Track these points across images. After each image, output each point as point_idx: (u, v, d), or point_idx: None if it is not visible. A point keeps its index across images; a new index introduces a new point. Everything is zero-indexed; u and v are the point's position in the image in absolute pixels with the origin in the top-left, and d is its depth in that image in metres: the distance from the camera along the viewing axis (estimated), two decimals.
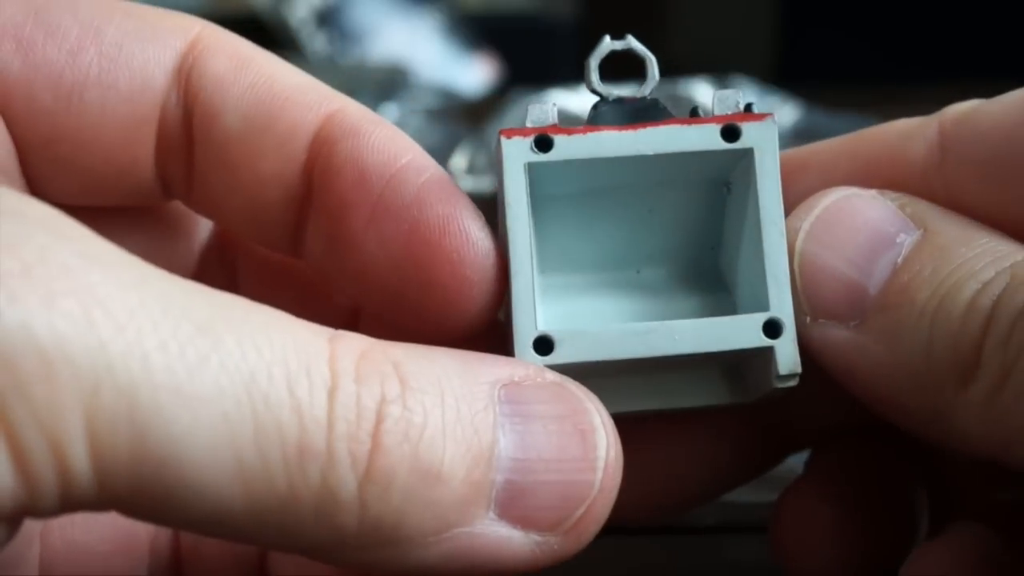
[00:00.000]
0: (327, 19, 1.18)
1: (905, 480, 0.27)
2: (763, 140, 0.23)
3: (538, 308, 0.22)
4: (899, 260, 0.22)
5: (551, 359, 0.22)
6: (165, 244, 0.25)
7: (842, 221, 0.22)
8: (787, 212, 0.23)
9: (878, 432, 0.26)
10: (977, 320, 0.20)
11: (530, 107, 0.23)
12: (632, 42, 0.23)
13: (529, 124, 0.23)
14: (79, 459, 0.16)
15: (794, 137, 0.56)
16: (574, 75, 0.68)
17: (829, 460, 0.27)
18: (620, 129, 0.23)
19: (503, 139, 0.22)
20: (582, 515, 0.20)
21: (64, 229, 0.17)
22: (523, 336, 0.22)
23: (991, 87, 0.28)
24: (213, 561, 0.24)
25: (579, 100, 0.57)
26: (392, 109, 0.65)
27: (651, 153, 0.23)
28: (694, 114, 0.23)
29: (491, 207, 0.23)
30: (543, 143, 0.22)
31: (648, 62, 0.23)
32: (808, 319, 0.22)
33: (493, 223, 0.23)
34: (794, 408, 0.26)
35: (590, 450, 0.20)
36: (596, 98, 0.23)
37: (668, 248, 0.24)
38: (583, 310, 0.24)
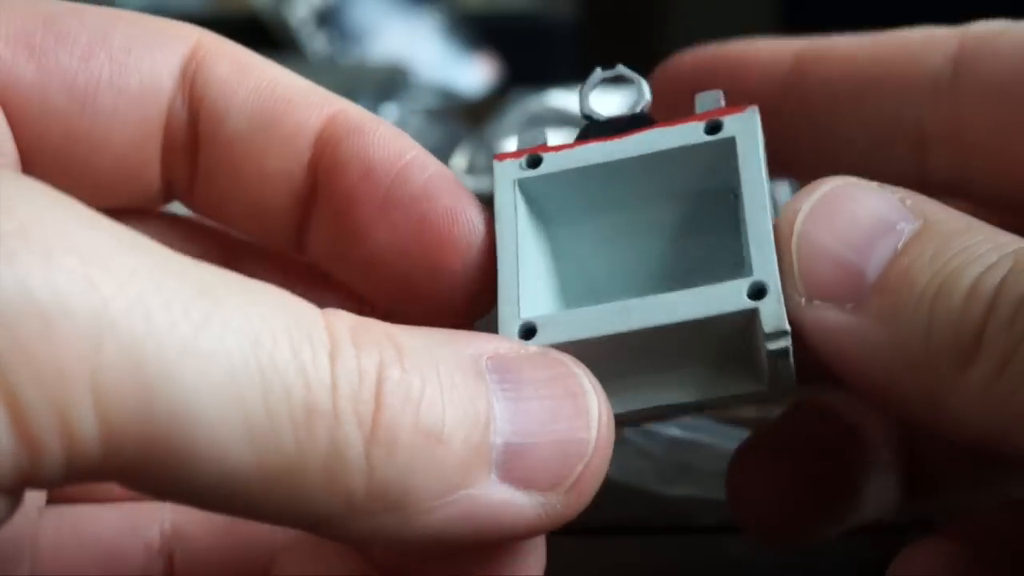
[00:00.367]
0: (327, 19, 1.18)
1: (855, 446, 0.27)
2: (745, 129, 0.23)
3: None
4: (899, 245, 0.21)
5: (535, 341, 0.22)
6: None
7: (843, 205, 0.22)
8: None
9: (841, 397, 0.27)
10: (980, 304, 0.20)
11: (520, 134, 0.24)
12: (622, 69, 0.24)
13: (519, 148, 0.24)
14: (84, 420, 0.16)
15: None
16: (574, 75, 0.68)
17: (786, 417, 0.28)
18: (607, 139, 0.23)
19: (495, 163, 0.23)
20: (581, 473, 0.20)
21: (60, 197, 0.17)
22: (507, 325, 0.22)
23: None
24: None
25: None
26: (392, 109, 0.65)
27: (636, 155, 0.23)
28: None
29: (491, 206, 0.24)
30: (534, 162, 0.23)
31: (638, 85, 0.24)
32: (803, 300, 0.22)
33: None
34: None
35: (582, 410, 0.20)
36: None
37: (691, 268, 0.24)
38: None
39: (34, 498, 0.23)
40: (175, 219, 0.26)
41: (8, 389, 0.15)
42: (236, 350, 0.17)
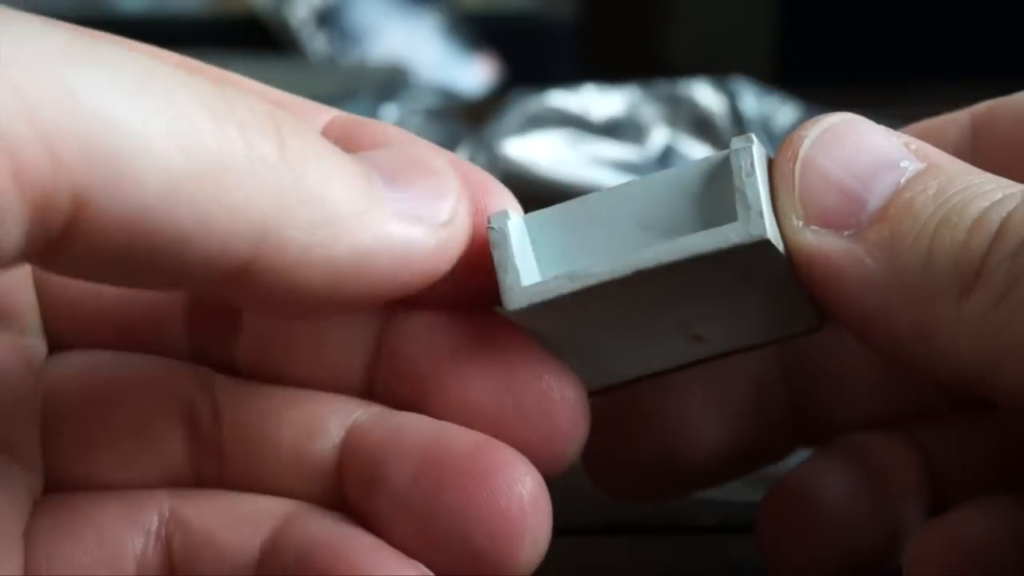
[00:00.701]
0: (327, 19, 1.18)
1: (900, 485, 0.27)
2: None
3: None
4: (902, 180, 0.22)
5: (541, 278, 0.22)
6: None
7: (849, 138, 0.22)
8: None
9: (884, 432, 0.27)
10: (983, 235, 0.20)
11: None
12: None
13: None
14: (35, 154, 0.17)
15: None
16: (574, 75, 0.68)
17: (816, 461, 0.27)
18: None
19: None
20: (452, 207, 0.21)
21: None
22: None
23: (992, 87, 0.28)
24: None
25: (579, 100, 0.57)
26: (392, 109, 0.65)
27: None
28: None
29: None
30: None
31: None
32: (800, 224, 0.22)
33: None
34: (834, 394, 0.27)
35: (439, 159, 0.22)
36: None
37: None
38: None
39: (23, 486, 0.23)
40: None
41: None
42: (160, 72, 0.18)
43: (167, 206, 0.18)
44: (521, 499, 0.21)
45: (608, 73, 0.61)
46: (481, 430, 0.22)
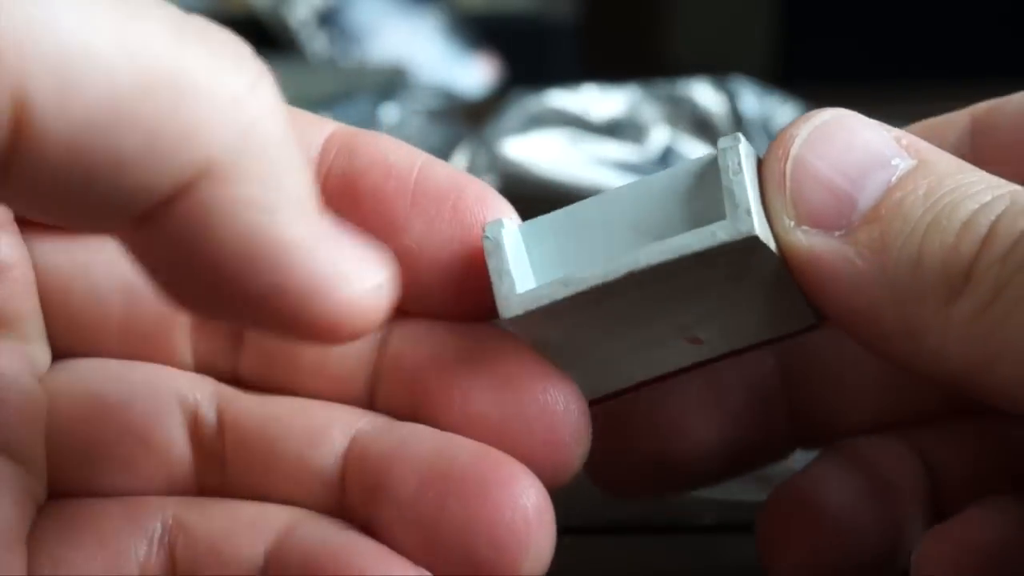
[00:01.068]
0: (327, 20, 1.18)
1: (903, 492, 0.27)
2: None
3: None
4: (893, 179, 0.22)
5: (537, 286, 0.22)
6: None
7: (840, 135, 0.22)
8: None
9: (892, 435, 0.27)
10: (973, 238, 0.20)
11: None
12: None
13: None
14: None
15: None
16: (574, 75, 0.68)
17: (815, 467, 0.27)
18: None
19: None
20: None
21: None
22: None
23: (992, 87, 0.28)
24: None
25: (578, 100, 0.57)
26: (392, 109, 0.65)
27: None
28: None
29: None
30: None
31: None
32: (792, 224, 0.22)
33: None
34: (833, 396, 0.27)
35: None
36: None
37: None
38: None
39: (27, 491, 0.23)
40: None
41: None
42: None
43: (113, 120, 0.17)
44: (525, 511, 0.21)
45: (608, 73, 0.61)
46: (484, 442, 0.22)
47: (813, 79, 0.80)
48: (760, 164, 0.22)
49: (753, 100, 0.58)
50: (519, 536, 0.21)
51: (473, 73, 1.20)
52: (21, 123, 0.16)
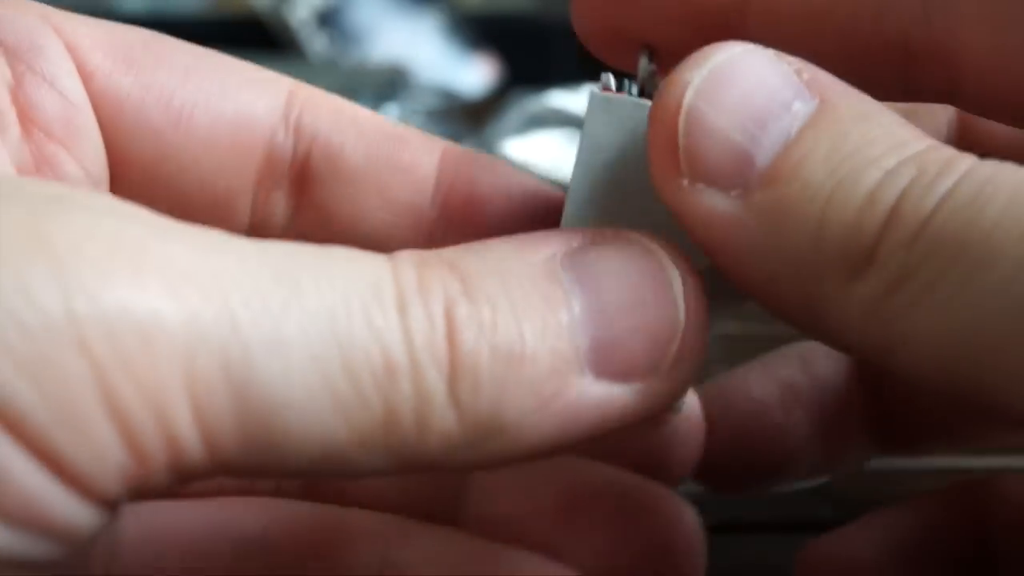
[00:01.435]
0: (328, 20, 1.18)
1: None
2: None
3: None
4: (792, 132, 0.20)
5: None
6: None
7: (735, 80, 0.20)
8: None
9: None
10: (876, 216, 0.19)
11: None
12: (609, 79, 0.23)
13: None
14: (185, 427, 0.17)
15: None
16: (574, 75, 0.68)
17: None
18: None
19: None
20: (675, 353, 0.20)
21: (129, 212, 0.18)
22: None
23: None
24: None
25: (579, 100, 0.57)
26: (392, 109, 0.65)
27: None
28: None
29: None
30: None
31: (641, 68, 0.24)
32: (686, 183, 0.20)
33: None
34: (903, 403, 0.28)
35: (664, 288, 0.20)
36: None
37: None
38: None
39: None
40: None
41: (116, 406, 0.16)
42: (314, 332, 0.17)
43: (320, 468, 0.18)
44: None
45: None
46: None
47: None
48: (650, 113, 0.21)
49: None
50: None
51: (473, 73, 1.20)
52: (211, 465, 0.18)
